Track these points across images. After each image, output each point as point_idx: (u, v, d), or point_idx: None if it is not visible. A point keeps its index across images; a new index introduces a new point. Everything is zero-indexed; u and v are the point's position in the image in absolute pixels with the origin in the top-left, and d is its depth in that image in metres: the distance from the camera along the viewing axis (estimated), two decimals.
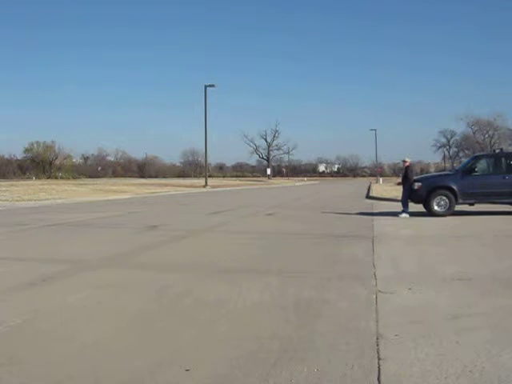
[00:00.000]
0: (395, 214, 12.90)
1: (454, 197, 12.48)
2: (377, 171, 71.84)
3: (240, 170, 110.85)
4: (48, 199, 21.67)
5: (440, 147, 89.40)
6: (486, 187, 12.46)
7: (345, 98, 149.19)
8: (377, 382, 2.59)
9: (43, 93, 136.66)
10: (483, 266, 5.81)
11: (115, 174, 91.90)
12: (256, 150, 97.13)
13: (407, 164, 13.54)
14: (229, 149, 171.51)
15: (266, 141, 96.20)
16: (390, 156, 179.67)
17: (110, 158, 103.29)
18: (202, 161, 72.55)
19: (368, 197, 24.27)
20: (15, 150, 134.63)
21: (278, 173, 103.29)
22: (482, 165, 13.22)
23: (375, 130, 67.72)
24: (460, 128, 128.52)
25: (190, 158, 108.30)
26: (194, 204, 20.15)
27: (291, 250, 7.34)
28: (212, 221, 12.12)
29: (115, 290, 4.75)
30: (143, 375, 2.72)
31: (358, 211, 14.75)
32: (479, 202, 12.89)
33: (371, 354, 2.96)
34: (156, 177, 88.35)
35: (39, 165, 78.62)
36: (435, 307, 4.00)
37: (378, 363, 2.82)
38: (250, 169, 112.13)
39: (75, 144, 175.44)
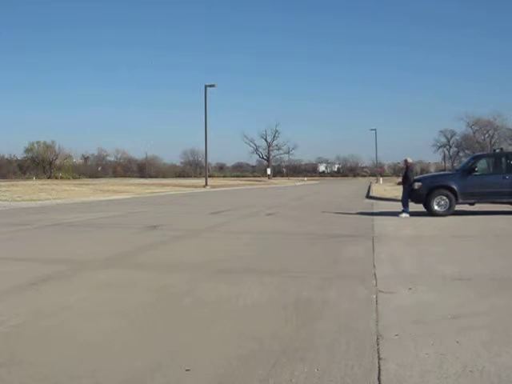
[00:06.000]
0: (395, 214, 12.90)
1: (454, 196, 12.48)
2: (377, 171, 71.88)
3: (240, 170, 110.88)
4: (48, 199, 21.67)
5: (440, 147, 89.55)
6: (486, 187, 12.46)
7: (345, 98, 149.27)
8: (377, 381, 2.59)
9: (44, 93, 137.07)
10: (483, 266, 5.81)
11: (115, 174, 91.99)
12: (256, 149, 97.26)
13: (408, 164, 13.56)
14: (229, 149, 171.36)
15: (266, 141, 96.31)
16: (390, 156, 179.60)
17: (110, 158, 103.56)
18: (202, 161, 72.66)
19: (368, 197, 24.27)
20: (15, 149, 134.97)
21: (278, 173, 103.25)
22: (482, 164, 13.20)
23: (375, 129, 67.88)
24: (460, 128, 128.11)
25: (190, 158, 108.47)
26: (194, 204, 20.15)
27: (291, 249, 7.33)
28: (212, 221, 12.12)
29: (115, 290, 4.75)
30: (143, 375, 2.72)
31: (358, 211, 14.74)
32: (479, 202, 12.89)
33: (371, 354, 2.96)
34: (156, 177, 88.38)
35: (39, 165, 78.70)
36: (435, 307, 4.00)
37: (379, 363, 2.82)
38: (250, 169, 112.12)
39: (75, 144, 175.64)
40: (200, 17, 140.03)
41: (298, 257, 6.66)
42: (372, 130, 68.83)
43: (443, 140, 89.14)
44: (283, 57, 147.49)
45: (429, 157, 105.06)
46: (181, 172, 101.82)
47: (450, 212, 12.46)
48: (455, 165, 72.55)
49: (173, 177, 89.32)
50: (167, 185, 43.89)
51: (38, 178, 68.77)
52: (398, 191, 19.62)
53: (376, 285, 4.81)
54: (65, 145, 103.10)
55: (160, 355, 3.01)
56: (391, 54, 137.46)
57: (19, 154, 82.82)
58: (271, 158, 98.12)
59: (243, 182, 61.34)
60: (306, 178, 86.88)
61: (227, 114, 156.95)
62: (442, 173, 21.31)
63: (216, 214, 14.08)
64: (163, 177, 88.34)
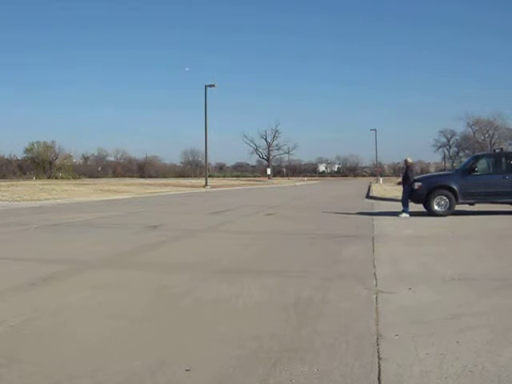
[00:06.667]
0: (395, 214, 12.90)
1: (454, 196, 12.48)
2: (377, 171, 71.89)
3: (240, 170, 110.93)
4: (48, 199, 21.66)
5: (440, 147, 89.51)
6: (486, 187, 12.46)
7: (345, 98, 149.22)
8: (377, 381, 2.59)
9: (43, 93, 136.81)
10: (483, 266, 5.81)
11: (115, 174, 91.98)
12: (256, 149, 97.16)
13: (408, 164, 13.57)
14: (229, 149, 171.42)
15: (266, 141, 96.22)
16: (390, 156, 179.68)
17: (110, 158, 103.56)
18: (202, 161, 72.65)
19: (368, 197, 24.27)
20: (15, 149, 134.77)
21: (278, 173, 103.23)
22: (482, 164, 13.20)
23: (375, 129, 67.89)
24: (460, 128, 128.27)
25: (190, 158, 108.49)
26: (194, 204, 20.15)
27: (291, 249, 7.33)
28: (212, 221, 12.12)
29: (115, 290, 4.75)
30: (143, 375, 2.72)
31: (358, 211, 14.74)
32: (479, 202, 12.89)
33: (371, 354, 2.96)
34: (156, 177, 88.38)
35: (39, 165, 78.62)
36: (435, 307, 4.00)
37: (379, 363, 2.82)
38: (250, 169, 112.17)
39: (75, 144, 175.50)
40: (200, 17, 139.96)
41: (298, 257, 6.66)
42: (372, 130, 68.96)
43: (443, 140, 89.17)
44: (283, 57, 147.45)
45: (429, 157, 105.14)
46: (181, 172, 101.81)
47: (450, 212, 12.46)
48: (455, 165, 72.52)
49: (173, 177, 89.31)
50: (167, 185, 43.89)
51: (38, 178, 68.70)
52: (398, 191, 19.62)
53: (376, 285, 4.81)
54: (65, 145, 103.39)
55: (160, 355, 3.01)
56: (391, 54, 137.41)
57: (19, 154, 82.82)
58: (271, 158, 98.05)
59: (243, 182, 61.34)
60: (306, 178, 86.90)
61: (227, 114, 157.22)
62: (441, 173, 21.28)
63: (216, 214, 14.08)
64: (163, 177, 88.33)
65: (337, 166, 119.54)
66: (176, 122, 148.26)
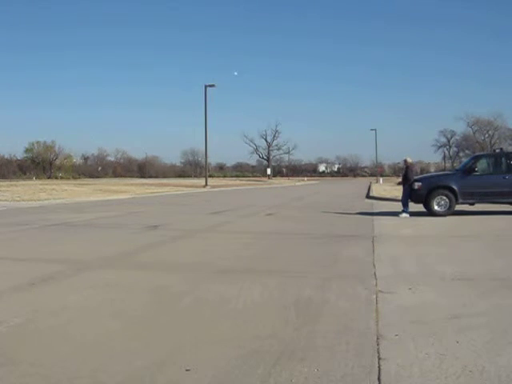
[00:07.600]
0: (395, 214, 12.90)
1: (454, 196, 12.48)
2: (377, 171, 71.88)
3: (240, 170, 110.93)
4: (48, 199, 21.65)
5: (440, 147, 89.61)
6: (486, 187, 12.47)
7: (345, 98, 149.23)
8: (377, 381, 2.59)
9: (43, 93, 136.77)
10: (483, 266, 5.81)
11: (115, 174, 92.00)
12: (256, 149, 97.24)
13: (407, 164, 13.57)
14: (229, 149, 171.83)
15: (266, 141, 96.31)
16: (390, 156, 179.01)
17: (110, 158, 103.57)
18: (202, 161, 72.68)
19: (368, 197, 24.27)
20: (15, 149, 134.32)
21: (278, 173, 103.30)
22: (482, 164, 13.21)
23: (375, 129, 67.95)
24: (460, 128, 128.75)
25: (190, 158, 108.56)
26: (194, 204, 20.15)
27: (291, 249, 7.34)
28: (212, 221, 12.12)
29: (115, 290, 4.75)
30: (143, 375, 2.72)
31: (358, 211, 14.75)
32: (479, 202, 12.89)
33: (371, 354, 2.96)
34: (156, 177, 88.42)
35: (39, 165, 78.70)
36: (435, 307, 4.00)
37: (379, 363, 2.82)
38: (250, 169, 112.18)
39: (75, 144, 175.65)
40: (200, 17, 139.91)
41: (298, 257, 6.66)
42: (372, 130, 69.02)
43: (443, 140, 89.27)
44: (283, 57, 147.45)
45: (429, 157, 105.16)
46: (181, 172, 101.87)
47: (450, 212, 12.46)
48: (455, 165, 72.54)
49: (173, 177, 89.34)
50: (167, 185, 43.87)
51: (38, 178, 68.71)
52: (398, 191, 19.62)
53: (376, 285, 4.81)
54: (65, 145, 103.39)
55: (160, 355, 3.00)
56: (391, 55, 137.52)
57: (19, 154, 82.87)
58: (271, 158, 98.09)
59: (243, 182, 61.33)
60: (305, 178, 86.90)
61: (227, 114, 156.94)
62: (441, 173, 21.28)
63: (216, 214, 14.08)
64: (163, 177, 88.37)
65: (337, 166, 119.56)
66: (176, 121, 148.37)
